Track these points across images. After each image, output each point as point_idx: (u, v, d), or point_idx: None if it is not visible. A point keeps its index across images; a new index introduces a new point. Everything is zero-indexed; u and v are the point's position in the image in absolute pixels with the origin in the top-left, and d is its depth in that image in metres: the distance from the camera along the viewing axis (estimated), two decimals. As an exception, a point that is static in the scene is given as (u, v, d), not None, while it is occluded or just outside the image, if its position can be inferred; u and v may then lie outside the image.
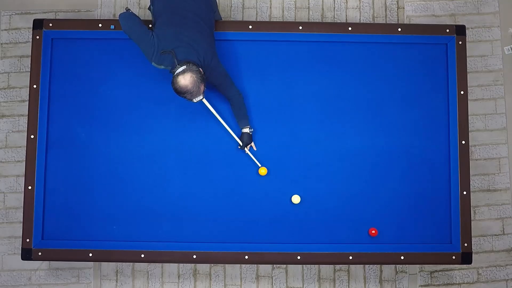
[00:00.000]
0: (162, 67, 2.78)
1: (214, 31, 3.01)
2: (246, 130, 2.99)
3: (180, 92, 2.70)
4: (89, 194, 3.03)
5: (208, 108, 2.92)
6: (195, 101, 2.76)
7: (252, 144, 3.03)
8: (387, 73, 3.11)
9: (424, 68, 3.11)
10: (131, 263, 3.41)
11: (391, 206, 3.05)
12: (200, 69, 2.73)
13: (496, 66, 3.60)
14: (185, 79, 2.67)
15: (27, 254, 2.99)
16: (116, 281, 3.42)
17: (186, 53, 2.73)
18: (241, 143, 3.00)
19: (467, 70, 3.27)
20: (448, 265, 3.30)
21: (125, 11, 2.88)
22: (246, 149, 3.01)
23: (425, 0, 3.66)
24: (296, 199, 3.02)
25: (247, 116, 3.00)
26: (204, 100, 2.84)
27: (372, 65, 3.11)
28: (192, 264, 3.41)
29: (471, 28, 3.61)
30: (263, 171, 3.02)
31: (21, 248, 2.99)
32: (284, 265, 3.42)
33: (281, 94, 3.09)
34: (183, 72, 2.68)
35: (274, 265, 3.42)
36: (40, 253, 2.99)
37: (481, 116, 3.56)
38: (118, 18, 2.88)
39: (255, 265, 3.41)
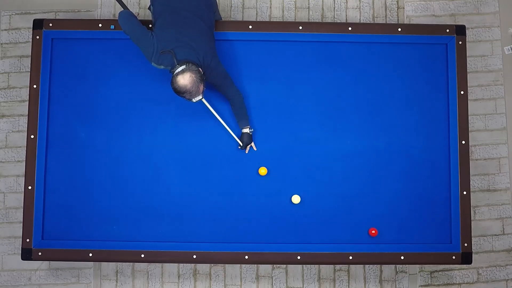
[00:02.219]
0: (162, 67, 2.78)
1: (214, 31, 3.01)
2: (246, 130, 2.99)
3: (179, 92, 2.70)
4: (89, 194, 3.03)
5: (208, 108, 2.93)
6: (194, 101, 2.76)
7: (252, 144, 3.03)
8: (387, 73, 3.11)
9: (424, 68, 3.12)
10: (131, 263, 3.41)
11: (391, 206, 3.05)
12: (200, 69, 2.74)
13: (496, 66, 3.60)
14: (185, 79, 2.67)
15: (27, 254, 2.99)
16: (116, 281, 3.42)
17: (186, 53, 2.73)
18: (241, 143, 3.00)
19: (467, 70, 3.27)
20: (448, 265, 3.30)
21: (123, 10, 2.88)
22: (247, 149, 3.01)
23: (425, 0, 3.66)
24: (296, 199, 3.02)
25: (247, 116, 3.00)
26: (204, 100, 2.84)
27: (372, 65, 3.11)
28: (192, 264, 3.41)
29: (471, 28, 3.61)
30: (263, 171, 3.02)
31: (21, 248, 3.00)
32: (284, 265, 3.42)
33: (281, 94, 3.09)
34: (182, 71, 2.68)
35: (274, 265, 3.42)
36: (40, 253, 2.99)
37: (481, 116, 3.56)
38: (117, 18, 2.87)
39: (255, 265, 3.41)
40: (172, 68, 2.72)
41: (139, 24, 2.81)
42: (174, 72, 2.69)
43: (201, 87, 2.73)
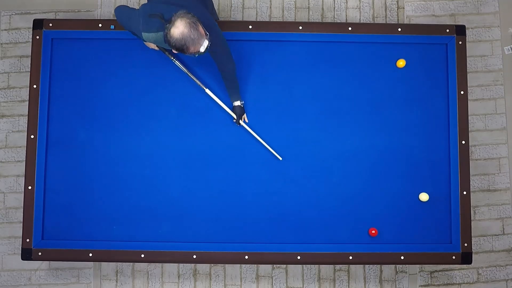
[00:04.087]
0: (153, 35, 2.54)
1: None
2: (238, 103, 2.98)
3: (182, 45, 2.37)
4: (89, 194, 3.03)
5: (201, 87, 2.95)
6: (202, 50, 2.42)
7: (245, 115, 3.03)
8: (387, 73, 3.11)
9: (424, 68, 3.12)
10: (131, 263, 3.41)
11: (391, 206, 3.05)
12: (190, 13, 2.42)
13: (496, 66, 3.60)
14: (178, 27, 2.35)
15: (27, 254, 2.99)
16: (116, 281, 3.42)
17: (175, 12, 2.42)
18: (235, 117, 3.00)
19: (467, 70, 3.27)
20: (448, 265, 3.30)
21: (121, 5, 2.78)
22: (241, 122, 3.01)
23: (425, 0, 3.66)
24: (424, 196, 3.01)
25: (238, 90, 2.97)
26: (191, 75, 2.78)
27: (372, 65, 3.11)
28: (192, 264, 3.41)
29: (471, 28, 3.61)
30: (401, 63, 3.01)
31: (21, 248, 2.99)
32: (284, 265, 3.42)
33: (281, 94, 3.09)
34: (172, 23, 2.36)
35: (274, 265, 3.42)
36: (40, 253, 2.99)
37: (481, 116, 3.56)
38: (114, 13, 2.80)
39: (255, 265, 3.41)
40: (164, 32, 2.42)
41: (130, 8, 2.69)
42: (167, 30, 2.39)
43: (201, 29, 2.39)
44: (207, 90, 3.00)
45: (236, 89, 2.95)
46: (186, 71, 3.01)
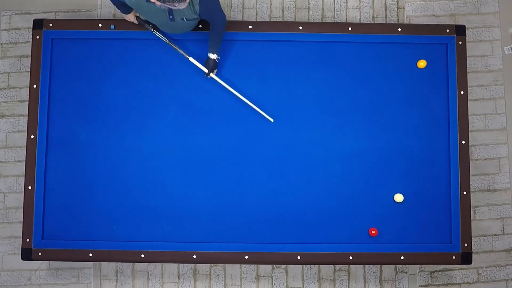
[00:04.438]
0: None
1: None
2: (214, 56, 2.96)
3: None
4: (89, 194, 3.03)
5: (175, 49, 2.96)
6: None
7: (214, 71, 3.01)
8: (387, 73, 3.11)
9: (424, 68, 3.12)
10: (131, 263, 3.40)
11: (391, 206, 3.05)
12: None
13: (496, 66, 3.60)
14: None
15: (27, 254, 3.00)
16: (116, 281, 3.42)
17: None
18: (206, 70, 2.99)
19: (467, 70, 3.27)
20: (448, 265, 3.30)
21: None
22: (212, 75, 3.00)
23: (425, 0, 3.66)
24: (398, 197, 3.02)
25: (220, 44, 2.95)
26: (175, 47, 2.76)
27: (372, 65, 3.11)
28: (192, 264, 3.41)
29: (471, 28, 3.61)
30: (422, 63, 3.03)
31: (21, 248, 3.00)
32: (284, 265, 3.42)
33: (281, 94, 3.09)
34: None
35: (274, 265, 3.42)
36: (40, 253, 2.99)
37: (481, 116, 3.56)
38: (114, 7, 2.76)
39: (255, 265, 3.41)
40: None
41: None
42: None
43: None
44: (190, 59, 3.00)
45: (218, 42, 2.93)
46: (167, 41, 3.00)
